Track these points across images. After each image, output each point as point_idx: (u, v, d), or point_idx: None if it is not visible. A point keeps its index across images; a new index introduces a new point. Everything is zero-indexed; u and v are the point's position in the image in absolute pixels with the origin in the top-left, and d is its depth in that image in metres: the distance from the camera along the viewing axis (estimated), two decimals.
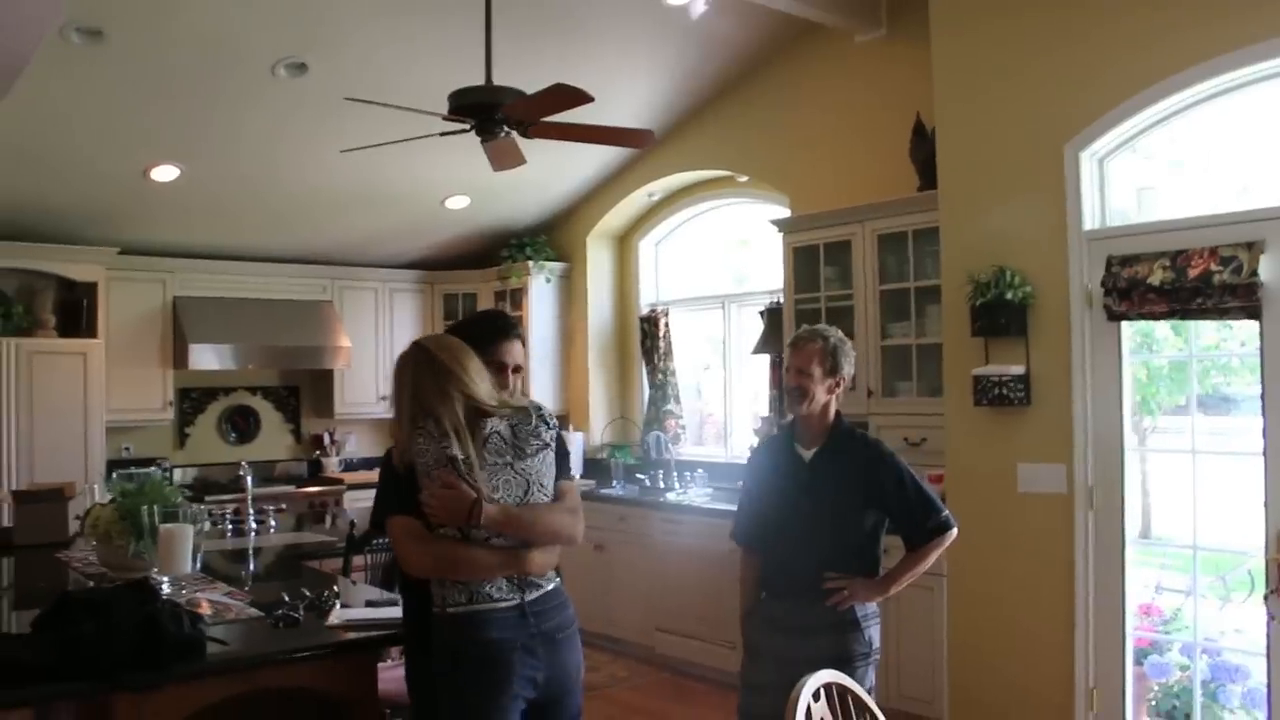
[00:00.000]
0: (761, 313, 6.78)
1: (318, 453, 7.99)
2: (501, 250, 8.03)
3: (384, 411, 8.12)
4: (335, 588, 3.66)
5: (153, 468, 7.03)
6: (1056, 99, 4.48)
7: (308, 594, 3.53)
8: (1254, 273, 3.96)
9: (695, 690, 5.80)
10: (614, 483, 7.30)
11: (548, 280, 7.94)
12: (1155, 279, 4.19)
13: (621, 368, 8.00)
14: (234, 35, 5.05)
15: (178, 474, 7.23)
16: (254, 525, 5.34)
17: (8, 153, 5.31)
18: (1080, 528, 4.41)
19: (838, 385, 3.40)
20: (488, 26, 4.36)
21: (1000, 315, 4.58)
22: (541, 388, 7.91)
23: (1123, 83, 4.28)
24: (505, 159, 4.72)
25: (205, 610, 3.39)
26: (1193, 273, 4.10)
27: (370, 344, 8.01)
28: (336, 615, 3.33)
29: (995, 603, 4.62)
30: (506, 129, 4.36)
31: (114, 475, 6.40)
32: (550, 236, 8.10)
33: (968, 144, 4.82)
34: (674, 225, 7.80)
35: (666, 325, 7.62)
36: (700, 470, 7.00)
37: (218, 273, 7.39)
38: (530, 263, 7.84)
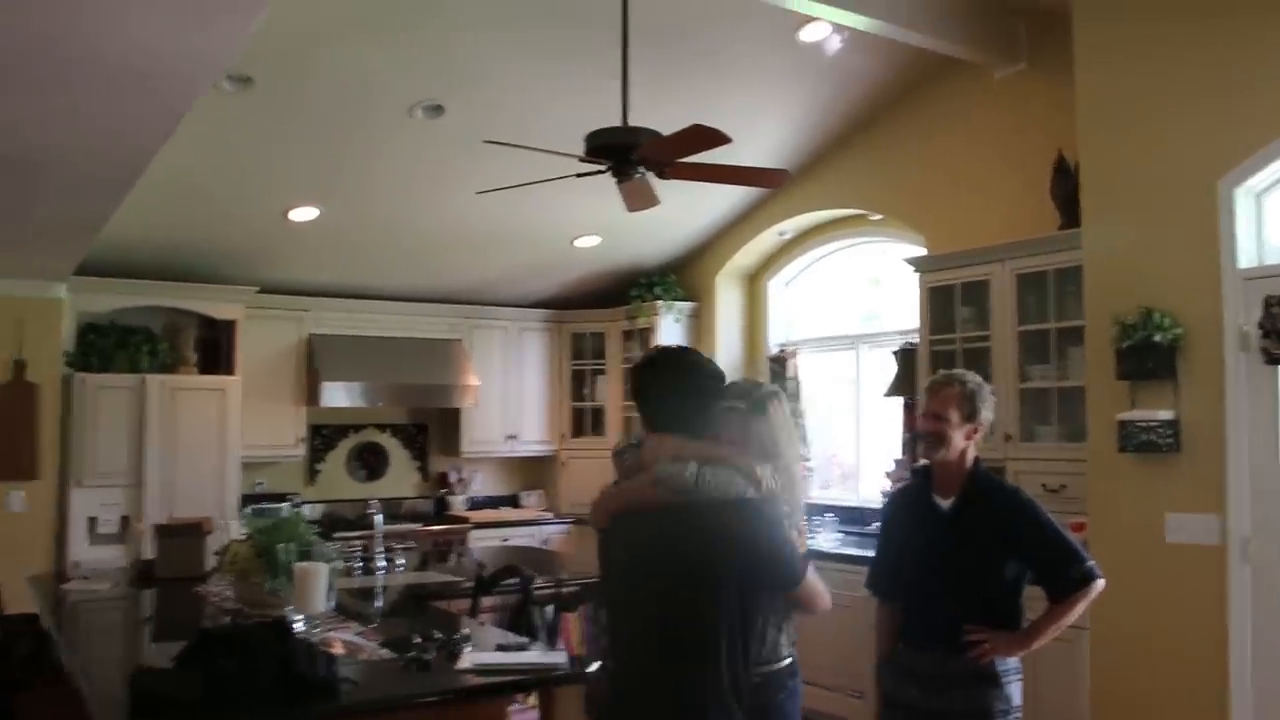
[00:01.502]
0: (895, 353, 6.59)
1: (444, 491, 8.04)
2: (630, 289, 8.00)
3: (509, 450, 8.14)
4: (465, 630, 3.61)
5: (285, 503, 7.16)
6: (1209, 133, 4.27)
7: (438, 635, 3.49)
8: None
9: None
10: None
11: (676, 320, 7.87)
12: None
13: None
14: (373, 78, 5.15)
15: (308, 509, 7.33)
16: (382, 563, 5.35)
17: (159, 195, 5.49)
18: (1235, 582, 4.16)
19: (975, 431, 3.27)
20: (624, 67, 4.33)
21: (1147, 358, 4.36)
22: None
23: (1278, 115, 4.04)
24: (640, 200, 4.67)
25: (338, 650, 3.37)
26: None
27: (498, 382, 8.05)
28: (467, 659, 3.27)
29: (1142, 657, 4.38)
30: (642, 170, 4.32)
31: (248, 510, 6.53)
32: (679, 275, 8.04)
33: (1113, 180, 4.62)
34: (805, 264, 7.67)
35: (796, 365, 7.46)
36: (830, 514, 6.80)
37: (351, 310, 7.54)
38: (659, 302, 7.79)
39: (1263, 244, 4.24)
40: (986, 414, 3.26)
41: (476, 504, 8.11)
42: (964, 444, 3.24)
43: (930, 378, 3.46)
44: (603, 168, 4.35)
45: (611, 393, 8.27)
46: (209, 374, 6.92)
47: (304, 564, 3.77)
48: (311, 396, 7.24)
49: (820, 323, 7.60)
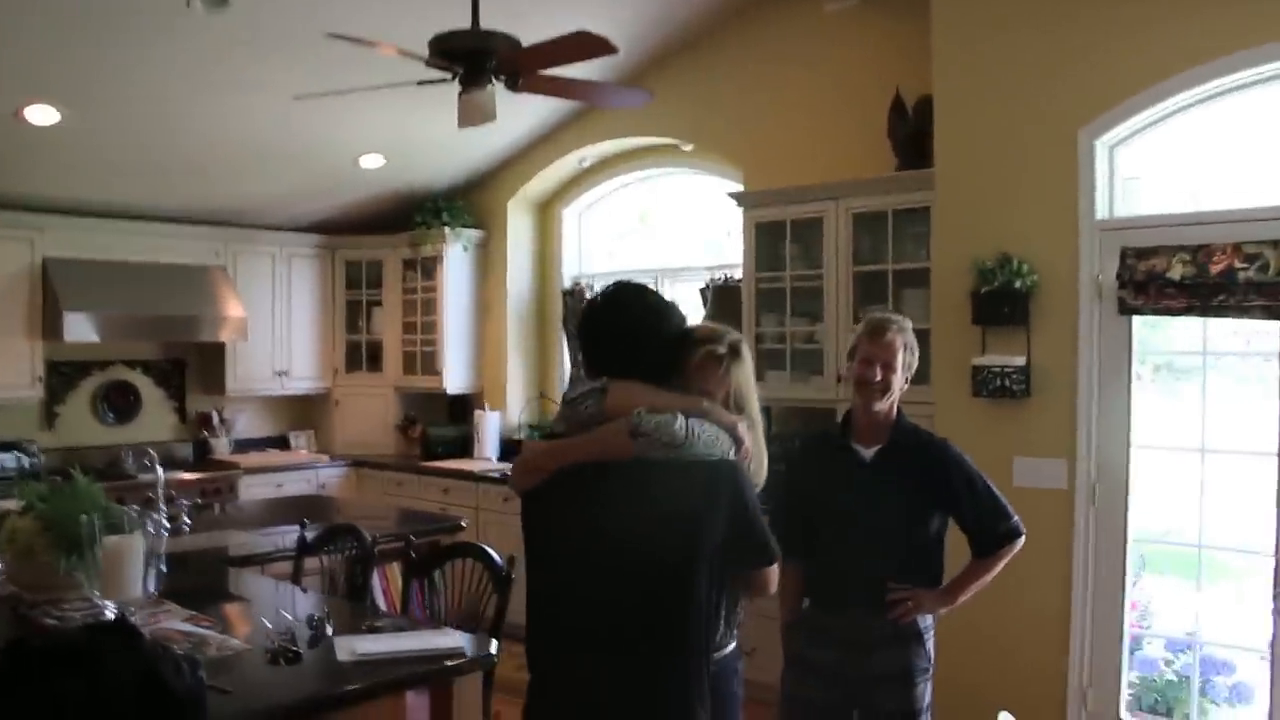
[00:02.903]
0: (703, 290, 6.45)
1: (204, 434, 7.23)
2: (415, 215, 7.40)
3: (278, 389, 7.43)
4: (326, 609, 3.12)
5: (12, 452, 6.21)
6: (1071, 81, 4.27)
7: (288, 617, 3.02)
8: None
9: None
10: None
11: (465, 248, 7.38)
12: (1175, 273, 4.04)
13: (541, 343, 7.53)
14: None
15: (44, 458, 6.38)
16: (166, 524, 4.67)
17: None
18: (1080, 525, 4.29)
19: (907, 380, 3.13)
20: None
21: (1004, 304, 4.38)
22: (455, 362, 7.37)
23: (1143, 69, 4.10)
24: (478, 115, 4.19)
25: (178, 643, 2.83)
26: (1215, 269, 3.96)
27: (266, 314, 7.27)
28: (346, 648, 2.83)
29: (986, 596, 4.42)
30: (495, 80, 3.87)
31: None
32: (468, 201, 7.51)
33: (970, 124, 4.58)
34: (603, 194, 7.36)
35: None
36: None
37: (96, 231, 6.52)
38: (446, 229, 7.26)
39: (1115, 196, 4.33)
40: (916, 360, 3.14)
41: (241, 447, 7.36)
42: (898, 393, 3.10)
43: (868, 320, 3.22)
44: (450, 75, 3.87)
45: (389, 325, 7.68)
46: None
47: (114, 538, 3.17)
48: (49, 329, 6.26)
49: (620, 256, 7.34)
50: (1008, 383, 4.34)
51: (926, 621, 3.13)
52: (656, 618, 2.19)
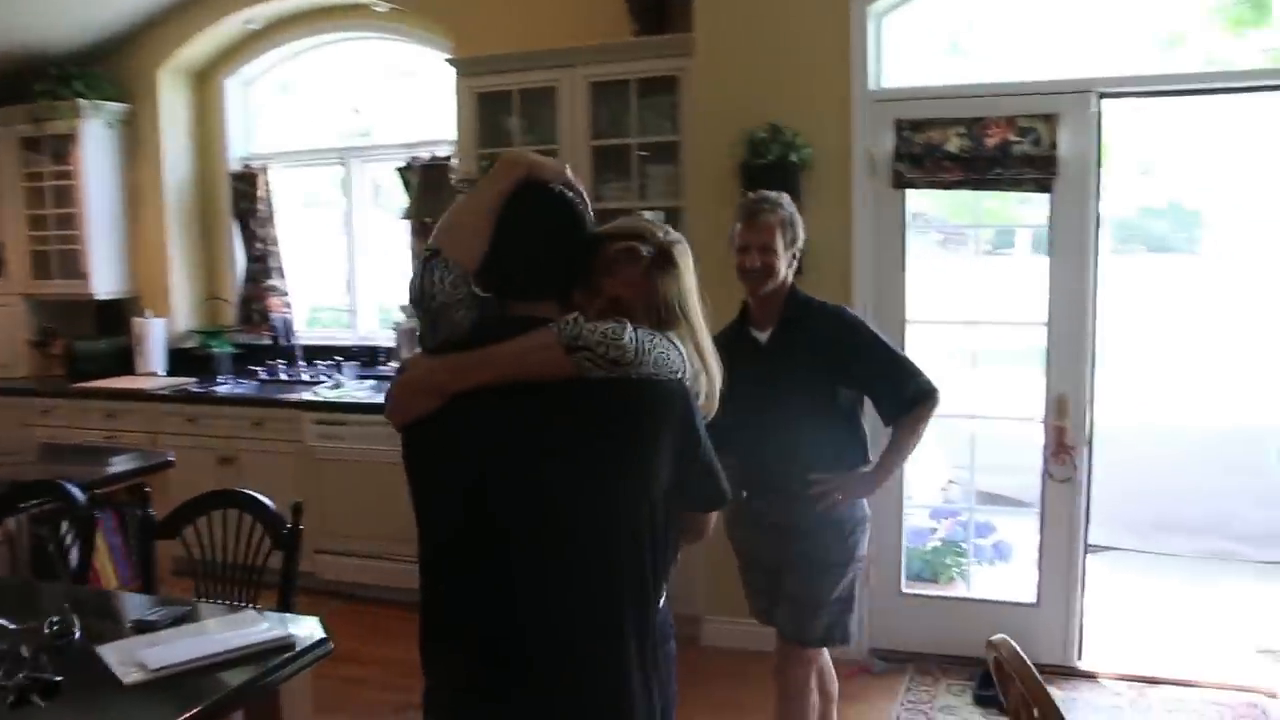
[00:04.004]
0: (402, 170, 5.79)
1: None
2: (34, 83, 6.06)
3: None
4: (67, 606, 2.32)
5: None
6: None
7: (11, 626, 2.21)
8: (1054, 145, 3.88)
9: (370, 615, 4.97)
10: (218, 379, 5.99)
11: (108, 125, 6.14)
12: (952, 146, 3.98)
13: (209, 237, 6.51)
14: None
15: None
16: None
17: None
18: None
19: (795, 257, 2.94)
20: None
21: (777, 178, 4.13)
22: (103, 263, 6.23)
23: None
24: None
25: None
26: (990, 142, 3.93)
27: None
28: (127, 660, 2.12)
29: None
30: None
31: None
32: (107, 69, 6.26)
33: None
34: (275, 61, 6.35)
35: (267, 184, 6.28)
36: (338, 357, 5.94)
37: None
38: (81, 101, 6.01)
39: (883, 67, 4.17)
40: (802, 235, 2.94)
41: None
42: (787, 272, 2.91)
43: (741, 204, 2.98)
44: None
45: (10, 220, 6.34)
46: None
47: None
48: None
49: (300, 134, 6.45)
50: None
51: (855, 513, 2.97)
52: (610, 590, 1.73)
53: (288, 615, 2.47)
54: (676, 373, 1.76)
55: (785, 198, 2.98)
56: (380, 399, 5.24)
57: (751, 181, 4.15)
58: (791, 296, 2.97)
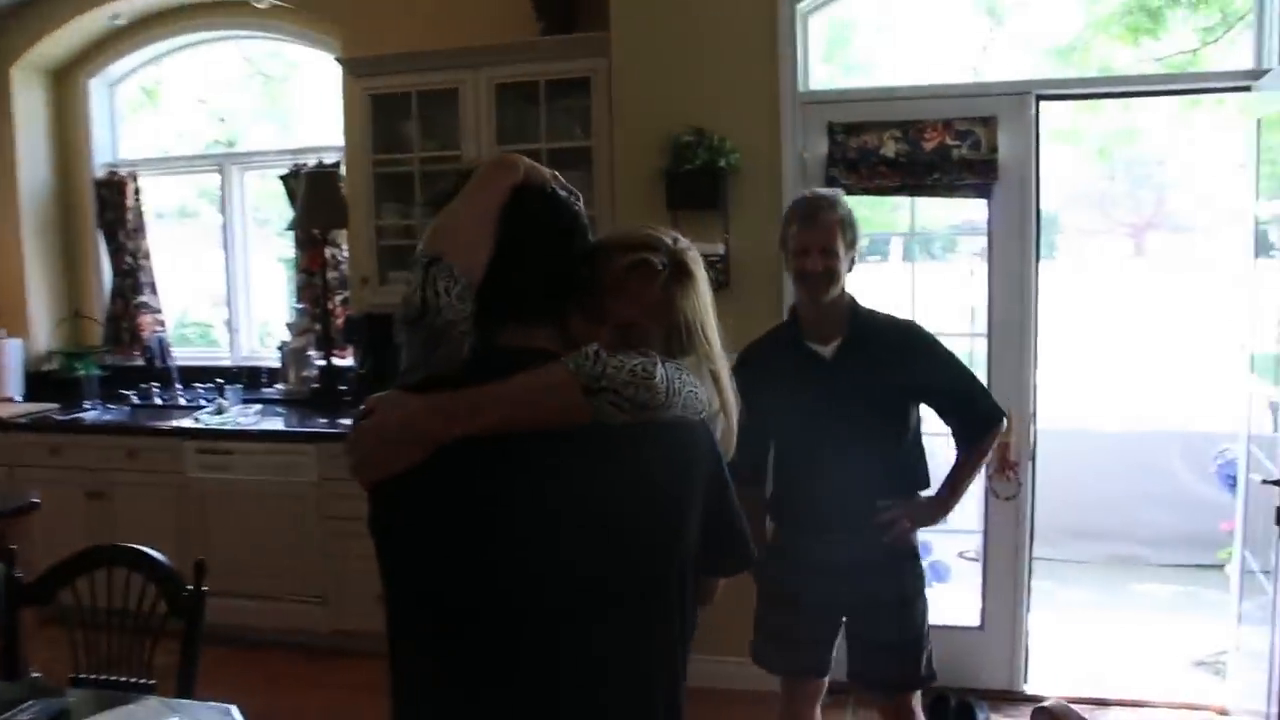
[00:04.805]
0: (285, 178, 5.40)
1: None
2: None
3: None
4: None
5: None
6: None
7: None
8: (993, 149, 3.74)
9: (263, 662, 4.52)
10: (85, 404, 5.48)
11: None
12: (888, 151, 3.80)
13: (71, 249, 5.96)
14: None
15: None
16: None
17: None
18: None
19: (854, 261, 2.71)
20: None
21: (701, 185, 3.92)
22: None
23: None
24: None
25: None
26: (928, 146, 3.77)
27: None
28: None
29: None
30: None
31: None
32: None
33: None
34: (143, 60, 5.87)
35: (136, 193, 5.79)
36: (218, 379, 5.48)
37: None
38: None
39: (810, 68, 3.98)
40: (860, 236, 2.71)
41: None
42: (847, 277, 2.67)
43: (799, 201, 2.73)
44: None
45: None
46: None
47: None
48: None
49: (172, 139, 5.98)
50: (712, 274, 3.92)
51: (920, 535, 2.80)
52: (638, 675, 1.45)
53: (197, 705, 2.08)
54: (701, 413, 1.48)
55: (841, 194, 2.75)
56: (271, 425, 4.86)
57: (677, 188, 3.94)
58: (858, 306, 2.73)
